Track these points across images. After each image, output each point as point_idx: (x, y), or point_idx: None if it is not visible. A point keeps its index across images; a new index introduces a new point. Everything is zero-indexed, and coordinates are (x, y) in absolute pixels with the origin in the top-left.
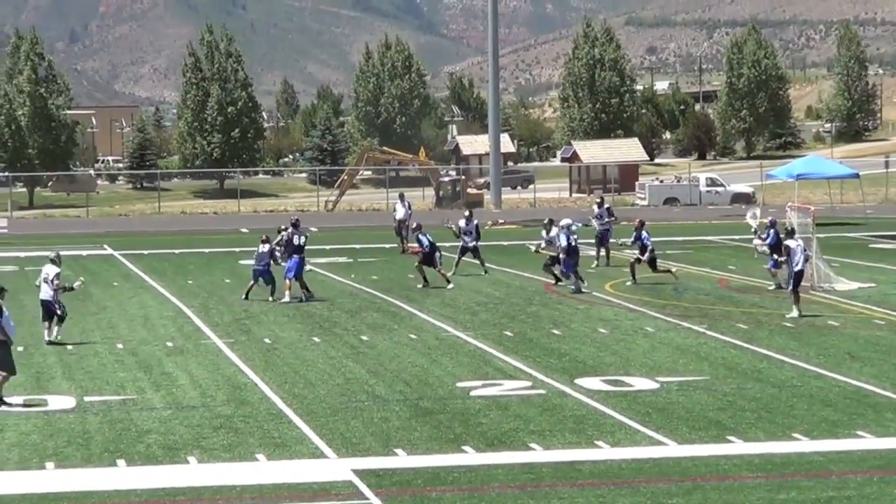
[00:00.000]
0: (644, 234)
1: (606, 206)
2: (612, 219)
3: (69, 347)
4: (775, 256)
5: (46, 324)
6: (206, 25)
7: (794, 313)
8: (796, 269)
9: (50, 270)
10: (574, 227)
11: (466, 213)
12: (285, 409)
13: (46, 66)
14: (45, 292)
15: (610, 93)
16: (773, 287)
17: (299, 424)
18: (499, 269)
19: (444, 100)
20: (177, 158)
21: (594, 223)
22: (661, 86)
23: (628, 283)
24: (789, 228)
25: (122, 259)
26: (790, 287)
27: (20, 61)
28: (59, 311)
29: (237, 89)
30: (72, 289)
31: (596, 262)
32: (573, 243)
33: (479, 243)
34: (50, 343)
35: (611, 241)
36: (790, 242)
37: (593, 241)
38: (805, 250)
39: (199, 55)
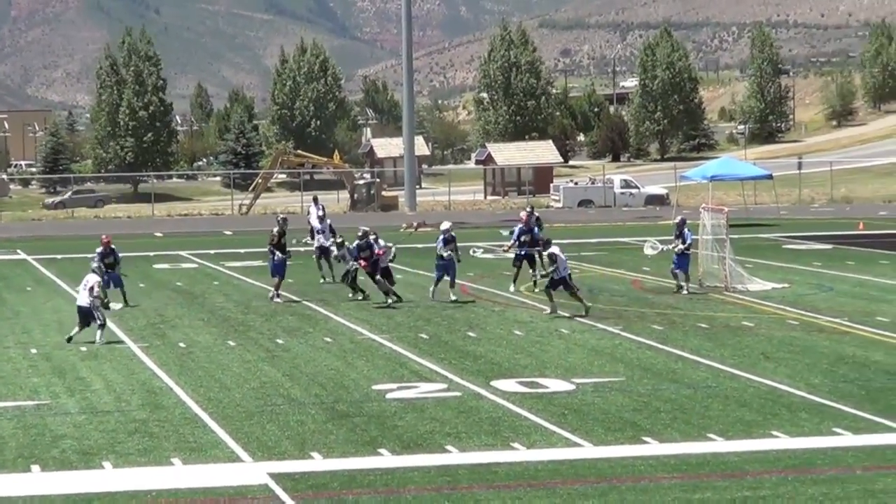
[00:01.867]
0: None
1: (536, 214)
2: (539, 228)
3: None
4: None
5: (77, 328)
6: (124, 29)
7: (547, 310)
8: (562, 275)
9: (91, 279)
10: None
11: (528, 208)
12: (200, 413)
13: None
14: (84, 299)
15: (526, 95)
16: (676, 290)
17: (215, 428)
18: (413, 272)
19: (358, 103)
20: (90, 162)
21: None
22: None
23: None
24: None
25: (36, 264)
26: (546, 286)
27: None
28: (98, 320)
29: (151, 93)
30: (107, 307)
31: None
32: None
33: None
34: (69, 340)
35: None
36: (554, 249)
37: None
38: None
39: (115, 58)
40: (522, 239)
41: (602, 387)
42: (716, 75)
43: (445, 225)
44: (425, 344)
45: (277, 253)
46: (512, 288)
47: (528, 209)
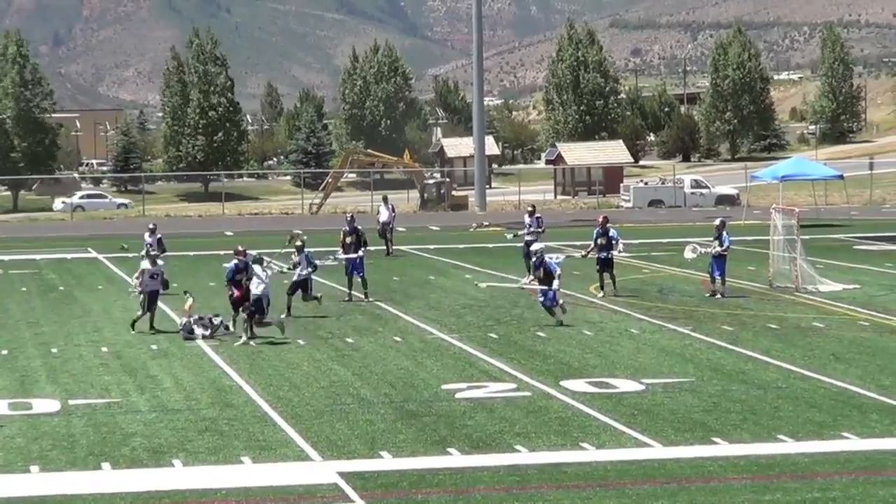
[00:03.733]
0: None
1: (537, 216)
2: (541, 230)
3: (53, 350)
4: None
5: (149, 314)
6: (192, 29)
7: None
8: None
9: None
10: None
11: (529, 208)
12: (270, 412)
13: (31, 69)
14: (152, 285)
15: (594, 95)
16: (710, 295)
17: (284, 427)
18: (483, 272)
19: (428, 102)
20: (161, 161)
21: (523, 233)
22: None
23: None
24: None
25: (107, 262)
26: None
27: (6, 64)
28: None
29: (220, 93)
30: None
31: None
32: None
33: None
34: (153, 329)
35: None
36: (537, 245)
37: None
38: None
39: (182, 59)
40: (599, 242)
41: (672, 387)
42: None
43: (535, 247)
44: (495, 343)
45: (339, 252)
46: (600, 294)
47: (529, 208)
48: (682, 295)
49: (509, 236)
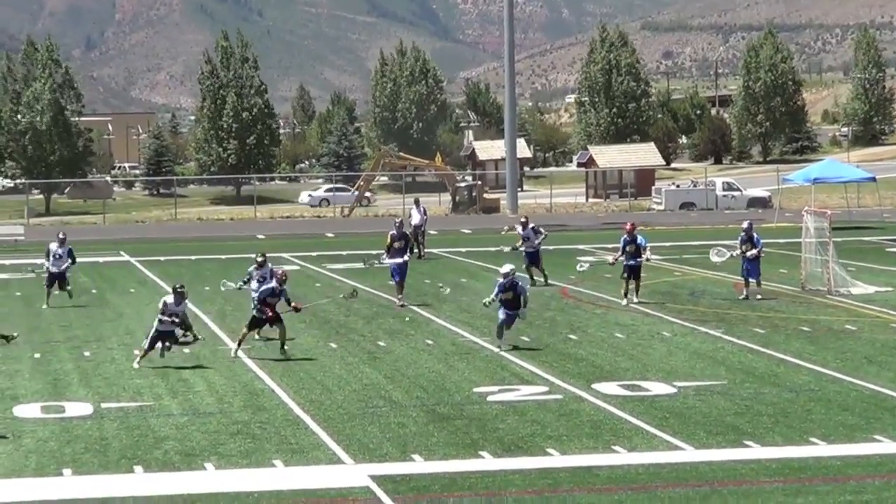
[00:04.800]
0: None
1: (531, 225)
2: (542, 236)
3: (86, 354)
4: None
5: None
6: (221, 32)
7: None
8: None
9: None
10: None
11: (522, 218)
12: (302, 415)
13: (63, 73)
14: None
15: (626, 97)
16: (743, 297)
17: (316, 430)
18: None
19: (460, 105)
20: (193, 165)
21: (521, 246)
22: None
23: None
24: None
25: (139, 265)
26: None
27: (37, 68)
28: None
29: (253, 96)
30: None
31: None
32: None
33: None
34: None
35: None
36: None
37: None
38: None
39: (214, 62)
40: (627, 249)
41: (704, 390)
42: (819, 77)
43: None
44: (526, 346)
45: (384, 256)
46: (623, 302)
47: (522, 219)
48: (713, 297)
49: (507, 249)
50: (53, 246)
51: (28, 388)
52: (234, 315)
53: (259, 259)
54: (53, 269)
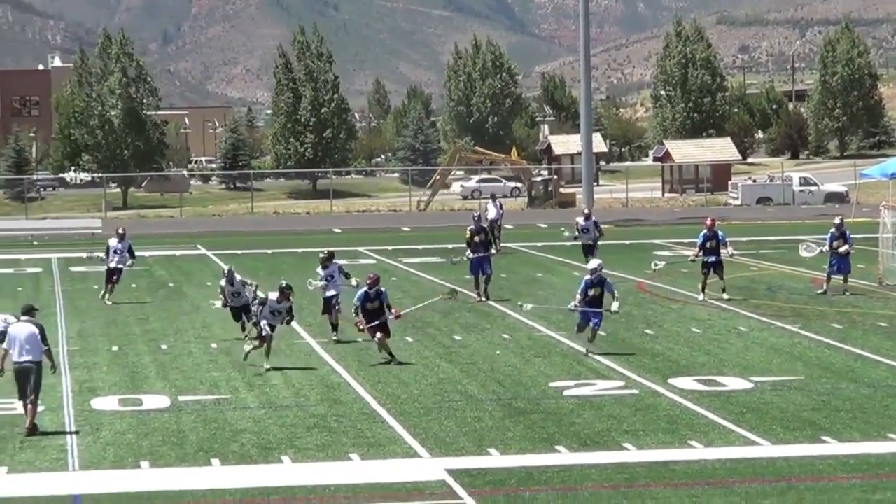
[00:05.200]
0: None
1: (594, 219)
2: (599, 234)
3: (163, 347)
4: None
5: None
6: (298, 27)
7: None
8: None
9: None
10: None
11: (585, 210)
12: (378, 409)
13: (136, 67)
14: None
15: (702, 92)
16: (822, 292)
17: (392, 424)
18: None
19: (536, 99)
20: (269, 159)
21: (580, 238)
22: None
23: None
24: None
25: (216, 259)
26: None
27: (111, 62)
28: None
29: (328, 90)
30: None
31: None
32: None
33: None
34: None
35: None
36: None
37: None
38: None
39: (289, 57)
40: (708, 245)
41: (780, 385)
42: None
43: (593, 264)
44: (603, 341)
45: (468, 252)
46: (700, 297)
47: (585, 211)
48: (790, 293)
49: (567, 234)
50: (113, 241)
51: (106, 381)
52: (311, 309)
53: (321, 255)
54: (111, 265)
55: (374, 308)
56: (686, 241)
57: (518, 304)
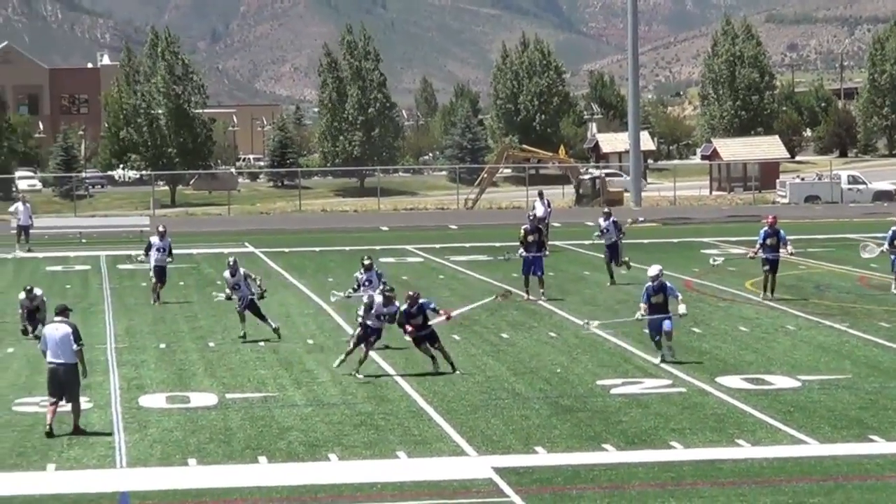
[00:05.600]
0: None
1: (613, 219)
2: (621, 234)
3: (211, 344)
4: None
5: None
6: (345, 25)
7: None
8: None
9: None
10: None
11: (605, 209)
12: (425, 407)
13: (182, 65)
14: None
15: (750, 90)
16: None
17: (439, 422)
18: (638, 267)
19: (583, 97)
20: (317, 156)
21: (603, 237)
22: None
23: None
24: None
25: (263, 257)
26: None
27: (158, 60)
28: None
29: (374, 89)
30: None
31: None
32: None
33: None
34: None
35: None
36: None
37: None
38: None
39: (335, 55)
40: (767, 242)
41: (828, 384)
42: None
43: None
44: (649, 339)
45: (521, 250)
46: (761, 295)
47: (605, 210)
48: (838, 291)
49: (596, 233)
50: (154, 239)
51: (153, 378)
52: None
53: (366, 262)
54: (153, 262)
55: (418, 323)
56: (734, 239)
57: (584, 323)
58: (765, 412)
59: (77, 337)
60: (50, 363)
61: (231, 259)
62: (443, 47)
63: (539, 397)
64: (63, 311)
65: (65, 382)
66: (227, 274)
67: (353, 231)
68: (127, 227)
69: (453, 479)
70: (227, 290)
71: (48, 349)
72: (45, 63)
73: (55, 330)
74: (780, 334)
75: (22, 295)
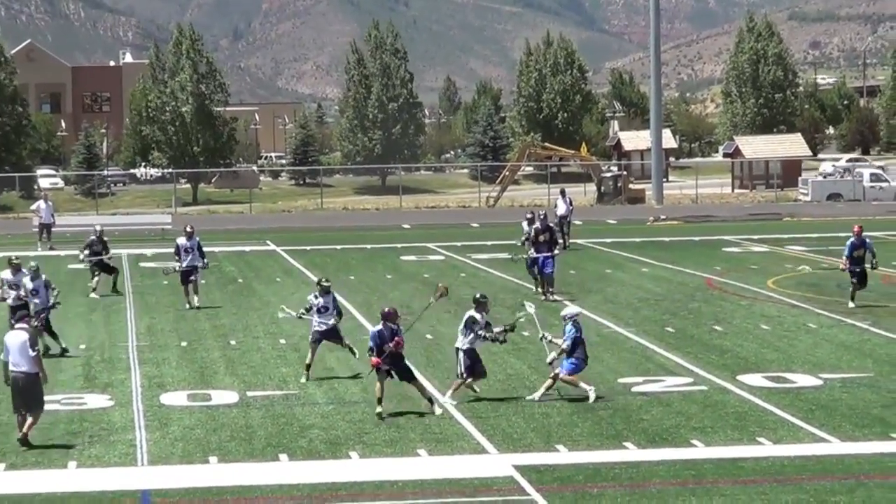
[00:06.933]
0: None
1: (537, 225)
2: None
3: (232, 342)
4: None
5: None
6: (370, 22)
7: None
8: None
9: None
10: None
11: (528, 215)
12: (446, 404)
13: (206, 63)
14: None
15: (773, 88)
16: None
17: (461, 420)
18: (660, 266)
19: (605, 95)
20: (339, 155)
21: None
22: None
23: None
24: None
25: (285, 255)
26: None
27: (182, 58)
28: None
29: (399, 86)
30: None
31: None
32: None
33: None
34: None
35: None
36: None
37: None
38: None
39: (362, 52)
40: (854, 255)
41: (850, 382)
42: None
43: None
44: (671, 338)
45: (531, 250)
46: (851, 304)
47: (528, 215)
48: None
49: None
50: (182, 240)
51: (175, 376)
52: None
53: (325, 283)
54: (185, 265)
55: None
56: (755, 237)
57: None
58: (786, 410)
59: (34, 343)
60: (11, 371)
61: (325, 279)
62: (465, 45)
63: (560, 395)
64: (24, 318)
65: (24, 390)
66: (312, 297)
67: (374, 229)
68: (149, 224)
69: (474, 477)
70: (304, 309)
71: (9, 357)
72: (67, 61)
73: (15, 337)
74: (801, 332)
75: (6, 273)
